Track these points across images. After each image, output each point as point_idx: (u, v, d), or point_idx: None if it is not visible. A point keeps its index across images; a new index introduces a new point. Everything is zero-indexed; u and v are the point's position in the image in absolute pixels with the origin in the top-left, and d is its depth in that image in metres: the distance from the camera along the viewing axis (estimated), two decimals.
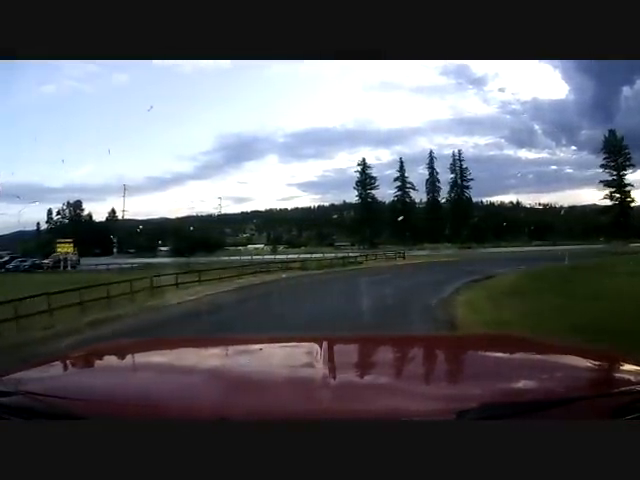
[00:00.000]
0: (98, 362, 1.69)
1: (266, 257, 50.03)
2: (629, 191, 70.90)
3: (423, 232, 75.77)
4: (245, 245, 75.45)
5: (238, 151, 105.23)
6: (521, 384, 1.26)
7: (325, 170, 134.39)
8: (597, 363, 1.48)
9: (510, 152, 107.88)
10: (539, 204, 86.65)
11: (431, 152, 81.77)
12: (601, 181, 72.51)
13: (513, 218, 78.39)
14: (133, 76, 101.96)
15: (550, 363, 1.52)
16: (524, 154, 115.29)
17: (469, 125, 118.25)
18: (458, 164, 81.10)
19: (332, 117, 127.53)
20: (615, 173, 71.58)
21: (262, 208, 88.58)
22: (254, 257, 48.54)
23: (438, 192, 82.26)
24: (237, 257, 48.96)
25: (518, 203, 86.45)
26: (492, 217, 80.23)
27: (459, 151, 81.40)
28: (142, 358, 1.75)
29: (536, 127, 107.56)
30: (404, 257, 43.92)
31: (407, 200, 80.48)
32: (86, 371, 1.58)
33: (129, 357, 1.78)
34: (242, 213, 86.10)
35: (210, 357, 1.81)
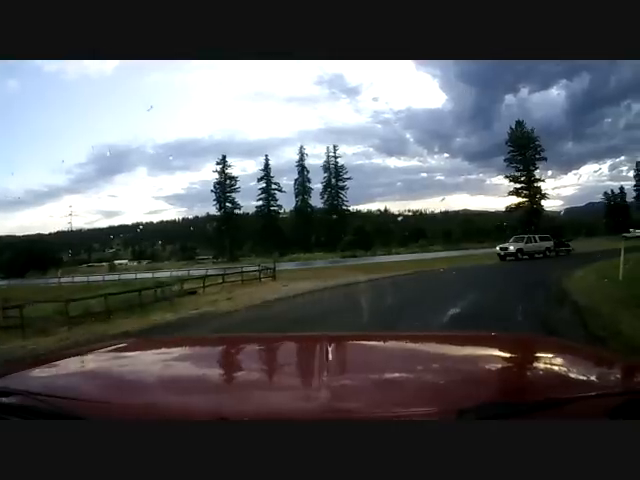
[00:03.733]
0: (98, 362, 1.66)
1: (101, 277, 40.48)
2: (539, 187, 63.03)
3: (292, 241, 65.91)
4: (111, 261, 70.17)
5: (110, 163, 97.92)
6: (521, 384, 1.25)
7: (192, 182, 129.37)
8: (597, 363, 1.48)
9: (379, 161, 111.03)
10: (408, 210, 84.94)
11: (301, 148, 71.81)
12: (507, 176, 64.95)
13: (388, 225, 74.95)
14: (21, 83, 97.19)
15: (550, 363, 1.51)
16: (393, 162, 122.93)
17: (338, 135, 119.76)
18: (333, 161, 69.30)
19: (202, 127, 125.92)
20: (522, 167, 62.79)
21: (129, 222, 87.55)
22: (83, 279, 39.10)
23: (309, 194, 72.08)
24: (78, 277, 42.16)
25: (386, 210, 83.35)
26: (370, 223, 73.80)
27: (334, 147, 70.68)
28: (142, 358, 1.75)
29: (408, 136, 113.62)
30: (274, 276, 24.51)
31: (273, 205, 70.26)
32: (86, 371, 1.55)
33: (129, 357, 1.75)
34: (110, 227, 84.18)
35: (210, 357, 1.81)
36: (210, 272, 28.47)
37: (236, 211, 67.91)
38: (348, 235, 65.50)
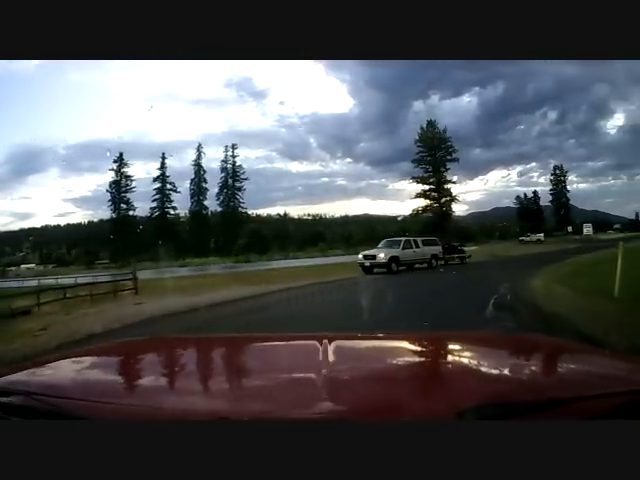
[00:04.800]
0: (98, 362, 1.65)
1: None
2: (449, 189, 61.85)
3: (188, 244, 61.25)
4: (19, 265, 65.34)
5: (24, 163, 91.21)
6: (521, 384, 1.23)
7: (98, 185, 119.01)
8: (596, 363, 1.46)
9: (281, 165, 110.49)
10: (308, 215, 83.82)
11: (199, 146, 67.81)
12: (414, 177, 62.57)
13: (287, 229, 73.40)
14: None
15: (550, 363, 1.51)
16: (295, 167, 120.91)
17: (242, 138, 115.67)
18: (231, 161, 64.85)
19: (112, 128, 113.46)
20: (431, 169, 61.17)
21: (38, 225, 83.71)
22: None
23: (204, 195, 67.87)
24: None
25: (285, 214, 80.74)
26: (268, 227, 70.43)
27: (233, 145, 66.82)
28: (142, 358, 1.74)
29: (311, 140, 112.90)
30: (136, 289, 17.49)
31: (168, 206, 65.39)
32: (86, 371, 1.52)
33: (129, 357, 1.75)
34: (21, 230, 78.46)
35: (210, 357, 1.80)
36: (79, 280, 23.00)
37: (131, 212, 63.24)
38: (243, 239, 60.50)
